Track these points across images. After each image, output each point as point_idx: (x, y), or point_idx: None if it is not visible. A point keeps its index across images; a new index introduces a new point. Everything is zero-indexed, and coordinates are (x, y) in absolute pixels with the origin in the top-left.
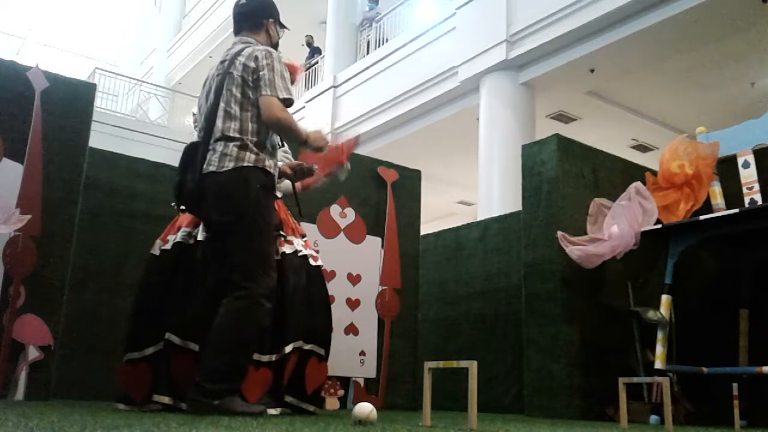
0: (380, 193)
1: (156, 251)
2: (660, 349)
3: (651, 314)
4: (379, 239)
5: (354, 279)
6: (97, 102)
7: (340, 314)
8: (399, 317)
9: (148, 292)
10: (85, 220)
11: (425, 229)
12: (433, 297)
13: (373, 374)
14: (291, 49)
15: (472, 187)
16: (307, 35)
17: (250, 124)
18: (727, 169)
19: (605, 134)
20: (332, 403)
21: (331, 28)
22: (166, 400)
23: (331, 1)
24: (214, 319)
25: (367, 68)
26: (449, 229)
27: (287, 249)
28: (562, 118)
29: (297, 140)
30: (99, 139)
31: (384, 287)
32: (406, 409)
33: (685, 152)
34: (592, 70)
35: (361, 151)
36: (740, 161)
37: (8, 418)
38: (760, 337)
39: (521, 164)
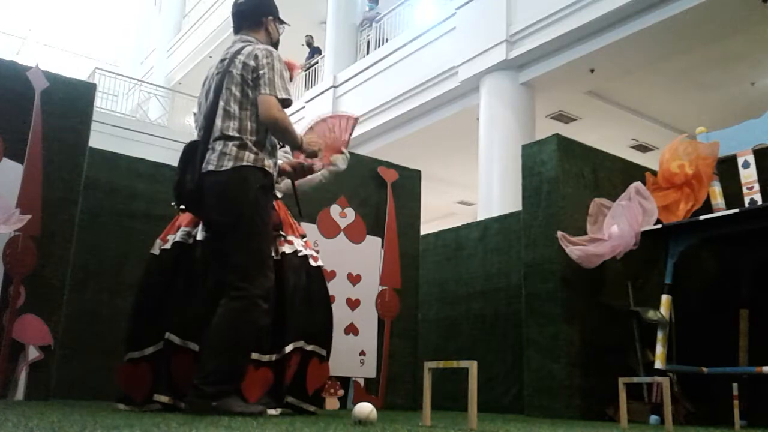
0: (380, 193)
1: (156, 251)
2: (660, 349)
3: (651, 314)
4: (379, 239)
5: (354, 279)
6: (97, 102)
7: (340, 314)
8: (399, 317)
9: (148, 291)
10: (85, 220)
11: (425, 229)
12: (433, 297)
13: (373, 374)
14: (291, 49)
15: (472, 187)
16: (307, 35)
17: (249, 123)
18: (727, 169)
19: (605, 134)
20: (332, 403)
21: (331, 28)
22: (165, 399)
23: (331, 1)
24: (213, 319)
25: (367, 68)
26: (449, 229)
27: (287, 249)
28: (562, 118)
29: (292, 143)
30: (99, 139)
31: (384, 287)
32: (406, 409)
33: (685, 152)
34: (592, 70)
35: (361, 151)
36: (740, 161)
37: (8, 418)
38: (760, 337)
39: (521, 164)
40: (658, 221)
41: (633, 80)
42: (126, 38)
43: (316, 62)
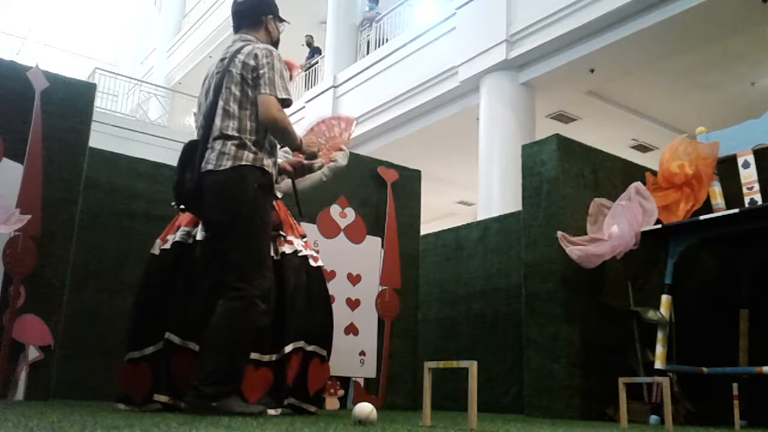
0: (380, 193)
1: (156, 251)
2: (660, 349)
3: (651, 314)
4: (379, 239)
5: (354, 279)
6: (97, 102)
7: (340, 314)
8: (399, 317)
9: (148, 291)
10: (85, 220)
11: (425, 229)
12: (433, 297)
13: (373, 374)
14: (291, 49)
15: (472, 187)
16: (307, 35)
17: (248, 123)
18: (727, 169)
19: (605, 134)
20: (332, 403)
21: (331, 28)
22: (165, 399)
23: (331, 1)
24: (211, 320)
25: (367, 68)
26: (449, 229)
27: (287, 249)
28: (562, 118)
29: (291, 143)
30: (99, 139)
31: (384, 287)
32: (406, 409)
33: (685, 152)
34: (592, 70)
35: (361, 151)
36: (740, 161)
37: (8, 418)
38: (760, 337)
39: (521, 164)
40: (658, 221)
41: (633, 80)
42: (126, 38)
43: (316, 62)
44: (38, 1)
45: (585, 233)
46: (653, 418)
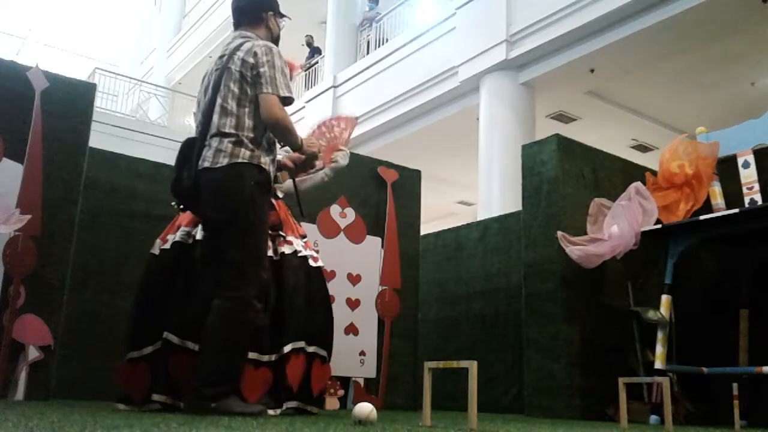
0: (380, 193)
1: (156, 251)
2: (660, 349)
3: (651, 314)
4: (379, 239)
5: (354, 279)
6: (97, 102)
7: (340, 314)
8: (399, 317)
9: (148, 291)
10: (85, 220)
11: (425, 229)
12: (433, 297)
13: (373, 374)
14: (291, 49)
15: (472, 187)
16: (307, 35)
17: (246, 120)
18: (727, 169)
19: (605, 134)
20: (332, 403)
21: (331, 28)
22: (163, 399)
23: (331, 1)
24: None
25: (367, 68)
26: (449, 229)
27: (287, 249)
28: (562, 118)
29: (292, 143)
30: (99, 139)
31: (384, 287)
32: (406, 409)
33: (685, 152)
34: (592, 70)
35: (361, 151)
36: (740, 161)
37: (8, 418)
38: (760, 337)
39: (521, 164)
40: (658, 221)
41: (633, 80)
42: (126, 38)
43: (316, 62)
44: (38, 1)
45: (585, 233)
46: (653, 418)
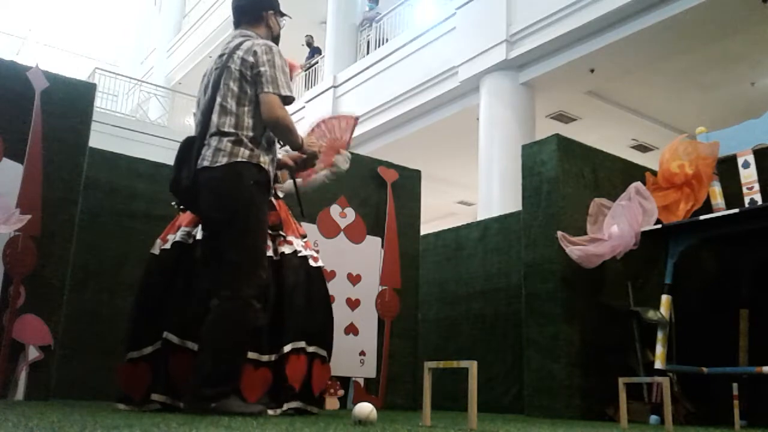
0: (380, 193)
1: (156, 251)
2: (660, 349)
3: (651, 314)
4: (379, 239)
5: (354, 279)
6: (97, 102)
7: (340, 314)
8: (399, 317)
9: (148, 291)
10: (85, 220)
11: (425, 229)
12: (433, 297)
13: (373, 374)
14: (291, 49)
15: (472, 187)
16: (307, 35)
17: (246, 119)
18: (727, 169)
19: (605, 134)
20: (332, 403)
21: (331, 28)
22: (163, 399)
23: (331, 1)
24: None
25: (367, 68)
26: (449, 229)
27: (287, 249)
28: (562, 118)
29: (293, 143)
30: (99, 139)
31: (384, 287)
32: (406, 409)
33: (685, 152)
34: (592, 70)
35: (361, 151)
36: (740, 161)
37: (8, 418)
38: (760, 337)
39: (521, 164)
40: (658, 221)
41: (633, 80)
42: (126, 38)
43: (316, 62)
44: (38, 1)
45: (585, 233)
46: (653, 418)
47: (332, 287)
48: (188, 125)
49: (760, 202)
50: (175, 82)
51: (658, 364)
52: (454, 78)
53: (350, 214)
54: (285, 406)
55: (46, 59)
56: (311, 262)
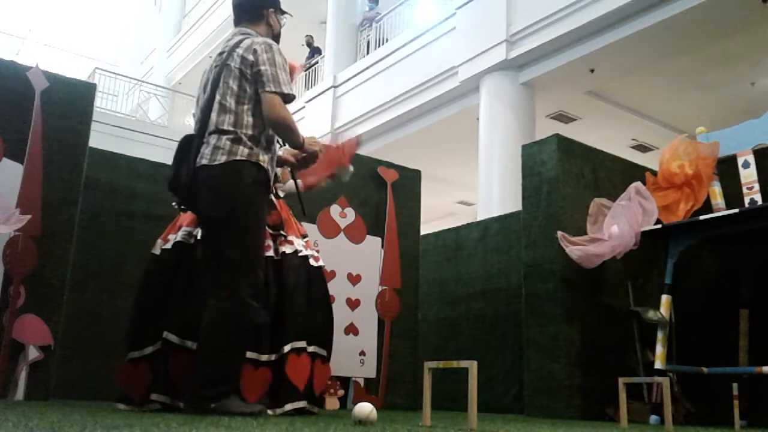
0: (380, 193)
1: (157, 251)
2: (660, 349)
3: (651, 314)
4: (379, 239)
5: (354, 279)
6: (97, 102)
7: (340, 314)
8: (399, 317)
9: (149, 291)
10: (85, 220)
11: (425, 229)
12: (433, 297)
13: (373, 374)
14: (291, 49)
15: (472, 187)
16: (307, 35)
17: (245, 118)
18: (727, 169)
19: (605, 134)
20: (332, 403)
21: (331, 28)
22: (163, 399)
23: (331, 1)
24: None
25: (367, 68)
26: (449, 229)
27: (288, 249)
28: (562, 118)
29: (294, 142)
30: (99, 139)
31: (384, 287)
32: (406, 409)
33: (685, 152)
34: (592, 70)
35: (361, 151)
36: (740, 161)
37: (8, 418)
38: (760, 337)
39: (521, 164)
40: (658, 221)
41: (633, 80)
42: (126, 38)
43: (316, 62)
44: (38, 1)
45: (585, 233)
46: (653, 418)
47: (332, 287)
48: (188, 125)
49: (760, 202)
50: (175, 82)
51: (658, 364)
52: (454, 78)
53: (350, 214)
54: (288, 406)
55: (46, 59)
56: (312, 262)
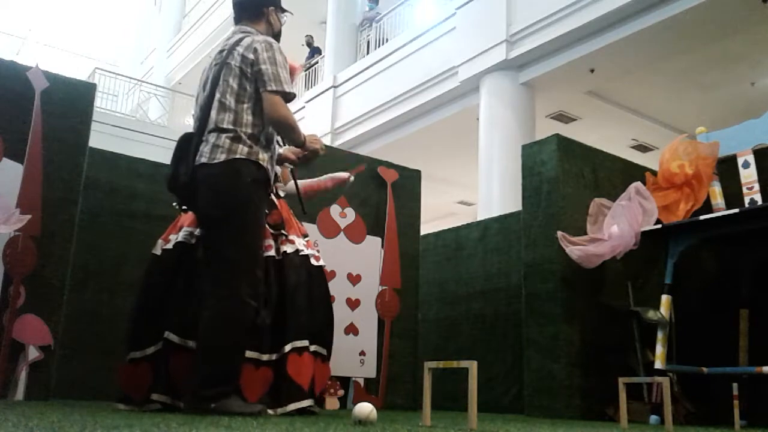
0: (380, 193)
1: (158, 251)
2: (660, 349)
3: (651, 314)
4: (379, 239)
5: (354, 279)
6: (97, 102)
7: (340, 314)
8: (399, 317)
9: (150, 291)
10: (85, 220)
11: (425, 229)
12: (433, 297)
13: (373, 374)
14: (291, 49)
15: (472, 187)
16: (307, 35)
17: (245, 116)
18: (727, 169)
19: (605, 134)
20: (332, 403)
21: (331, 28)
22: (163, 399)
23: (331, 1)
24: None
25: (367, 68)
26: (449, 229)
27: (288, 248)
28: (562, 118)
29: (296, 140)
30: (99, 139)
31: (384, 287)
32: (406, 409)
33: (685, 152)
34: (592, 70)
35: (361, 151)
36: (740, 161)
37: (8, 418)
38: (760, 337)
39: (521, 164)
40: (658, 221)
41: (633, 80)
42: (126, 38)
43: (316, 62)
44: (38, 1)
45: (585, 233)
46: (653, 418)
47: (332, 287)
48: (188, 125)
49: (760, 202)
50: (175, 82)
51: (658, 364)
52: (454, 78)
53: (350, 214)
54: (292, 406)
55: (46, 59)
56: (313, 261)
